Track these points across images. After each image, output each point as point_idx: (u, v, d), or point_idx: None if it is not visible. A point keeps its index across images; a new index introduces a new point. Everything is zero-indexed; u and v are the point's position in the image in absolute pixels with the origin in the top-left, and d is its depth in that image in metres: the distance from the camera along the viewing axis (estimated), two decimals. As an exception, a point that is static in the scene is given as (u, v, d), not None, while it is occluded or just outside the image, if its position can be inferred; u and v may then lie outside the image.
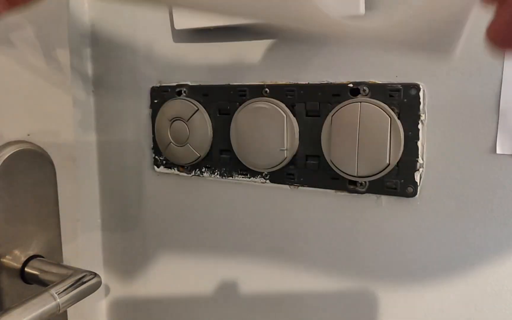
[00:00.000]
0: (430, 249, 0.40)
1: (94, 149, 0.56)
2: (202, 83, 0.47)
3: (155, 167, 0.52)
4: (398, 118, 0.38)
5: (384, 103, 0.38)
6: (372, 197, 0.41)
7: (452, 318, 0.40)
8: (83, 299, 0.44)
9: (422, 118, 0.38)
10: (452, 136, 0.37)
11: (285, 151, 0.42)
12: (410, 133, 0.38)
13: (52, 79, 0.49)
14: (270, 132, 0.43)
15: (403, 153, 0.39)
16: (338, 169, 0.41)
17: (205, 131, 0.47)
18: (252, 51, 0.44)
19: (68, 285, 0.41)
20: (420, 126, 0.38)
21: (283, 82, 0.43)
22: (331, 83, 0.41)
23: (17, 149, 0.44)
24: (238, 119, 0.44)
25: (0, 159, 0.42)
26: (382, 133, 0.38)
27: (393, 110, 0.38)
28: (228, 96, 0.46)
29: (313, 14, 0.21)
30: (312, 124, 0.42)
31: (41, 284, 0.44)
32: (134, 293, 0.57)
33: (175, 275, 0.54)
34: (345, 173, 0.40)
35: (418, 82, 0.38)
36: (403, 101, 0.38)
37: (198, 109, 0.46)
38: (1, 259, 0.43)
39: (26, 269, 0.44)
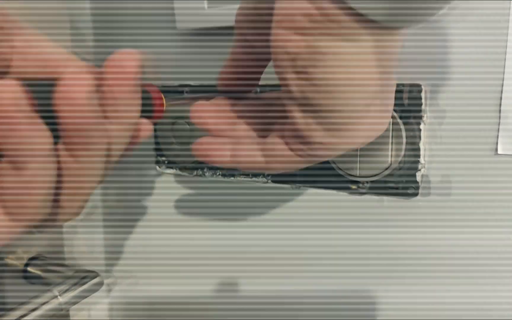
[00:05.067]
0: (431, 249, 0.40)
1: (96, 149, 0.56)
2: (203, 83, 0.47)
3: (157, 166, 0.52)
4: (400, 118, 0.38)
5: (386, 103, 0.38)
6: (373, 197, 0.41)
7: (452, 318, 0.40)
8: (85, 298, 0.44)
9: (424, 118, 0.38)
10: (454, 136, 0.37)
11: (287, 151, 0.42)
12: (411, 133, 0.38)
13: (54, 79, 0.49)
14: (272, 132, 0.43)
15: (404, 153, 0.39)
16: (340, 169, 0.41)
17: (206, 131, 0.47)
18: (253, 51, 0.44)
19: (70, 285, 0.42)
20: (421, 126, 0.38)
21: (285, 82, 0.43)
22: (332, 83, 0.41)
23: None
24: (239, 119, 0.44)
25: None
26: (384, 134, 0.38)
27: (394, 110, 0.38)
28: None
29: None
30: (314, 124, 0.42)
31: (43, 283, 0.44)
32: (136, 293, 0.58)
33: (177, 275, 0.54)
34: (347, 174, 0.40)
35: (419, 82, 0.37)
36: (404, 101, 0.38)
37: (199, 109, 0.46)
38: (5, 259, 0.43)
39: (29, 269, 0.45)
